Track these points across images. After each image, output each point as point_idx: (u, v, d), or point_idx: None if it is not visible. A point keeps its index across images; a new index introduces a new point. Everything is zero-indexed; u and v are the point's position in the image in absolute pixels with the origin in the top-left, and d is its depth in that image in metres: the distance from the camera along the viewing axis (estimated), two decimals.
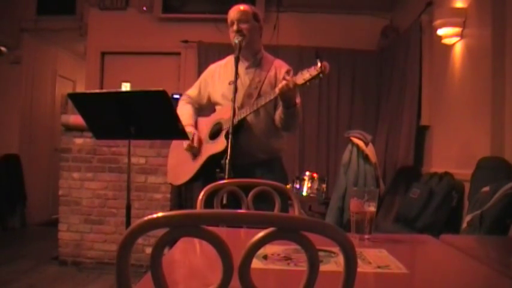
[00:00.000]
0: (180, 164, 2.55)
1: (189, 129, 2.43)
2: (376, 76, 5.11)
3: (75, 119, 3.51)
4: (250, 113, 2.28)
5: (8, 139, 5.68)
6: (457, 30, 3.37)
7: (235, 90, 2.17)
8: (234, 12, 2.39)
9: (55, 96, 6.68)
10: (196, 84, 2.63)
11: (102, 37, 5.41)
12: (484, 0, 3.10)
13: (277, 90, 2.16)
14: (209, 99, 2.55)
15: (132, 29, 5.35)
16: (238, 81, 2.28)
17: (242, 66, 2.41)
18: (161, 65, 5.43)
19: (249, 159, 2.31)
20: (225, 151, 2.13)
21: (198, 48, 5.26)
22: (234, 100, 2.15)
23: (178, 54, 5.39)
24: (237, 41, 2.32)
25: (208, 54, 5.17)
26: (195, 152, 2.43)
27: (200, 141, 2.43)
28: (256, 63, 2.46)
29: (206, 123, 2.47)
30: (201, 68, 5.16)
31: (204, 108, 2.62)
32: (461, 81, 3.43)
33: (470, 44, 3.30)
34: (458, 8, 3.38)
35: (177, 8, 5.27)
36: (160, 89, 2.24)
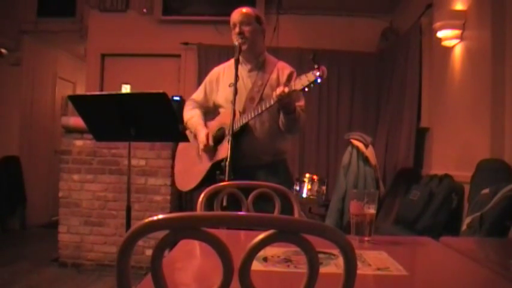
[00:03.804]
0: (187, 169, 2.53)
1: (203, 129, 2.40)
2: (376, 78, 5.11)
3: (75, 120, 3.51)
4: (252, 119, 2.26)
5: (8, 141, 5.68)
6: (456, 32, 3.37)
7: (235, 92, 2.15)
8: (236, 15, 2.38)
9: (55, 98, 6.67)
10: (201, 87, 2.59)
11: (102, 39, 5.42)
12: (483, 3, 3.11)
13: (274, 97, 2.13)
14: (214, 102, 2.52)
15: (132, 31, 5.36)
16: (241, 85, 2.25)
17: (244, 69, 2.39)
18: (161, 67, 5.44)
19: (253, 161, 2.30)
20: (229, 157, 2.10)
21: (198, 50, 5.27)
22: (234, 102, 2.13)
23: (179, 56, 5.40)
24: (236, 43, 2.31)
25: (209, 56, 5.18)
26: (211, 151, 2.38)
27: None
28: (259, 65, 2.43)
29: (210, 129, 2.43)
30: (201, 70, 5.18)
31: (210, 111, 2.58)
32: (461, 83, 3.43)
33: (470, 46, 3.30)
34: (458, 10, 3.38)
35: (177, 10, 5.27)
36: (161, 91, 2.24)
